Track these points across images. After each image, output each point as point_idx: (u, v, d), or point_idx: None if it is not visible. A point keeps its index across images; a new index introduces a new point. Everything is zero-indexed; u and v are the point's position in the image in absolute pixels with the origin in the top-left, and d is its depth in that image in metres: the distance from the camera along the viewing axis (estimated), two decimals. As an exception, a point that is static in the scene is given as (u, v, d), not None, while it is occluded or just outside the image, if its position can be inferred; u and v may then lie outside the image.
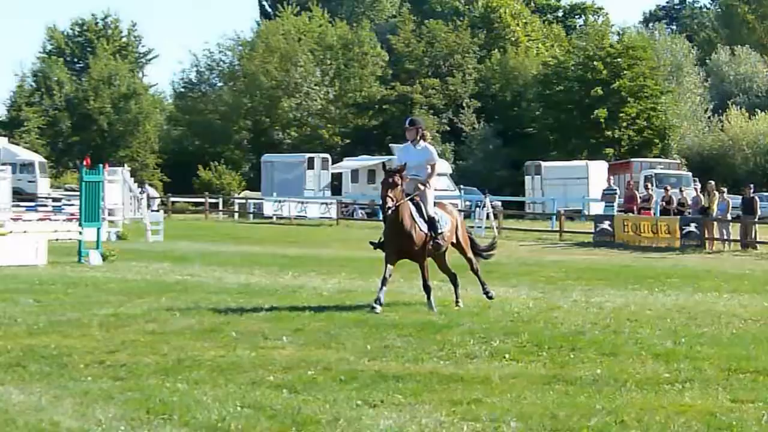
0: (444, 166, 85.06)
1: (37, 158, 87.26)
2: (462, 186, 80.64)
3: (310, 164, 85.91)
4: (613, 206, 56.69)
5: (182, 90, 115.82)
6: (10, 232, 32.78)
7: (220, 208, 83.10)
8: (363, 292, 23.52)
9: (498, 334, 16.27)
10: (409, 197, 19.54)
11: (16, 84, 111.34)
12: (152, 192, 69.91)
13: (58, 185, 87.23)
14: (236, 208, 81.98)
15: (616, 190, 60.00)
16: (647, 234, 48.36)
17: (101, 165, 38.33)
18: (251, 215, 77.60)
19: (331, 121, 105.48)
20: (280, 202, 77.38)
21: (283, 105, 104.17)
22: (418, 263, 20.12)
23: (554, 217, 61.64)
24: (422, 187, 19.91)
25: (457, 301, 20.67)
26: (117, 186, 46.20)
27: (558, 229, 56.92)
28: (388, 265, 19.90)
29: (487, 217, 58.48)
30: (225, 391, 11.47)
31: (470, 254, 21.43)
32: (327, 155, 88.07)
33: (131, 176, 59.37)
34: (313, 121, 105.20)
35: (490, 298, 21.20)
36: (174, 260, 34.10)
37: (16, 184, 61.17)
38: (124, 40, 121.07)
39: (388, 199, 18.98)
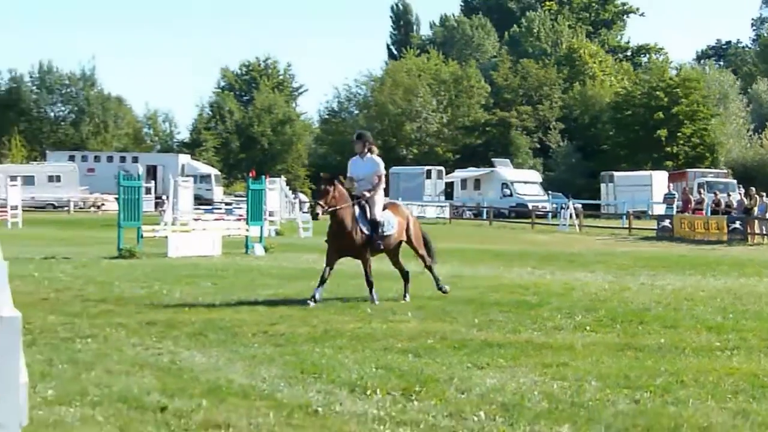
0: (535, 176, 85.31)
1: (213, 171, 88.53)
2: (550, 192, 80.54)
3: (428, 175, 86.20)
4: (672, 207, 56.40)
5: (326, 116, 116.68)
6: (193, 229, 33.14)
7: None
8: (471, 277, 23.44)
9: (580, 311, 16.15)
10: (356, 201, 17.47)
11: (197, 113, 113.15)
12: (303, 197, 69.85)
13: (229, 192, 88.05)
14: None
15: (674, 194, 59.63)
16: (700, 230, 47.84)
17: (263, 176, 38.58)
18: (382, 216, 77.63)
19: (445, 140, 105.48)
20: (404, 205, 77.54)
21: (406, 128, 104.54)
22: (361, 260, 17.77)
23: (624, 216, 61.46)
24: (368, 194, 17.71)
25: (405, 296, 18.04)
26: (275, 193, 46.38)
27: (627, 226, 56.57)
28: (327, 267, 17.58)
29: (570, 216, 58.25)
30: (362, 356, 11.52)
31: (422, 251, 18.96)
32: (441, 168, 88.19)
33: (287, 185, 59.71)
34: (430, 140, 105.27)
35: (445, 292, 18.55)
36: (321, 252, 33.97)
37: (197, 192, 61.62)
38: (281, 77, 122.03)
39: (318, 206, 17.25)
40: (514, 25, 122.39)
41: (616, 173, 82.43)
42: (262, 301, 17.14)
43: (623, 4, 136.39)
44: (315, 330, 13.63)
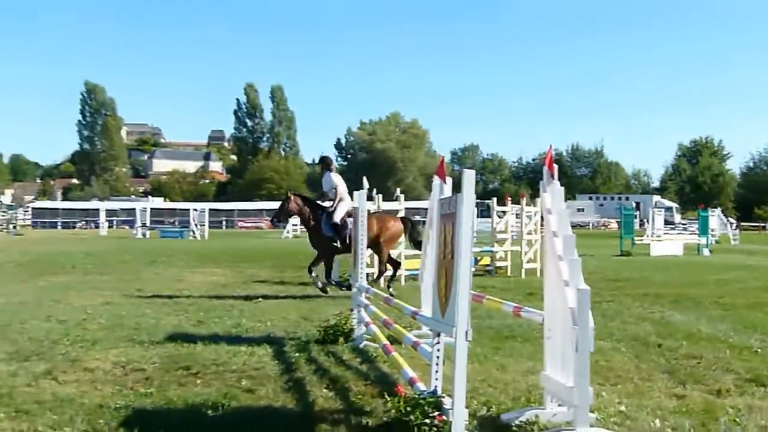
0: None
1: (674, 205, 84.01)
2: None
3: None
4: None
5: (745, 171, 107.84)
6: (664, 239, 31.77)
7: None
8: None
9: None
10: (322, 212, 13.15)
11: (663, 171, 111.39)
12: (732, 220, 64.35)
13: (685, 217, 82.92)
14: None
15: None
16: None
17: (707, 208, 35.97)
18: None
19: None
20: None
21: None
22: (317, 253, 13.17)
23: None
24: (330, 203, 13.15)
25: (388, 286, 13.15)
26: (715, 217, 42.87)
27: None
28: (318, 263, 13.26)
29: None
30: (693, 319, 10.36)
31: (382, 266, 13.74)
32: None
33: (722, 212, 55.10)
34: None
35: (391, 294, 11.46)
36: (748, 254, 31.19)
37: (665, 217, 58.65)
38: (716, 148, 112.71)
39: (275, 215, 13.29)
40: None
41: None
42: (712, 282, 15.96)
43: None
44: (748, 301, 12.40)
